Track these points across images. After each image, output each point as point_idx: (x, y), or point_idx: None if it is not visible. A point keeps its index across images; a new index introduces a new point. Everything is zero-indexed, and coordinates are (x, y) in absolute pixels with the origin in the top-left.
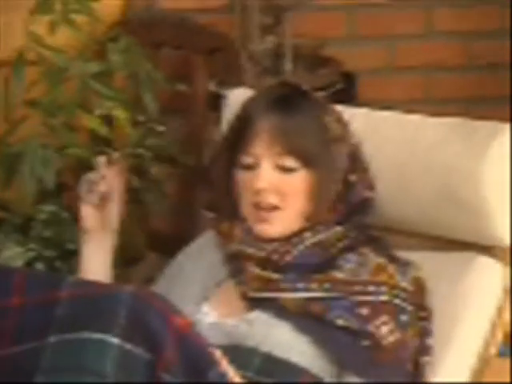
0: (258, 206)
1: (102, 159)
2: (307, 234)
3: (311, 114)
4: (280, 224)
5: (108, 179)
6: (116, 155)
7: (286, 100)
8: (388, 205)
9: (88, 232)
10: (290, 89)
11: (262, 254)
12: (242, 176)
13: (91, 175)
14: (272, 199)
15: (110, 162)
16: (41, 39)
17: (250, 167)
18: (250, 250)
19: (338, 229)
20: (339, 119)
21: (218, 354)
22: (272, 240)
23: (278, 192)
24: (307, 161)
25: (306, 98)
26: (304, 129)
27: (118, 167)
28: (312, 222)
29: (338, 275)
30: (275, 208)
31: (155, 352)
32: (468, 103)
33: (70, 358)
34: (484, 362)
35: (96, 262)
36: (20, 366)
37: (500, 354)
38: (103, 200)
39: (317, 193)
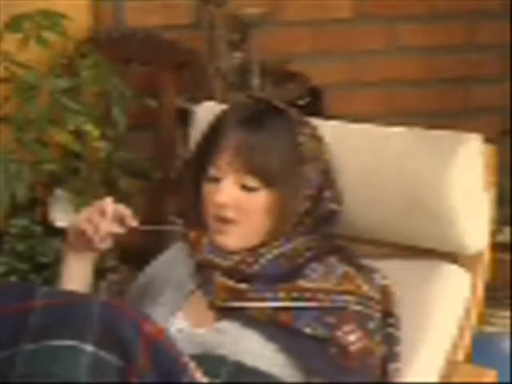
0: (217, 218)
1: (108, 204)
2: (274, 245)
3: (282, 132)
4: (237, 237)
5: (98, 228)
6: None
7: (257, 117)
8: (355, 214)
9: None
10: (264, 105)
11: (229, 263)
12: (207, 187)
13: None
14: (231, 214)
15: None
16: (12, 56)
17: (215, 180)
18: (217, 260)
19: (304, 239)
20: (314, 136)
21: (188, 361)
22: (238, 250)
23: (238, 208)
24: (269, 181)
25: (280, 116)
26: (270, 147)
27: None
28: (275, 236)
29: (305, 284)
30: (232, 221)
31: (128, 359)
32: (431, 117)
33: (43, 365)
34: (451, 369)
35: (77, 269)
36: None
37: None
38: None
39: (279, 212)
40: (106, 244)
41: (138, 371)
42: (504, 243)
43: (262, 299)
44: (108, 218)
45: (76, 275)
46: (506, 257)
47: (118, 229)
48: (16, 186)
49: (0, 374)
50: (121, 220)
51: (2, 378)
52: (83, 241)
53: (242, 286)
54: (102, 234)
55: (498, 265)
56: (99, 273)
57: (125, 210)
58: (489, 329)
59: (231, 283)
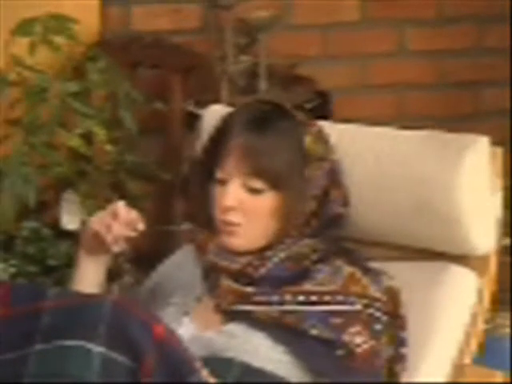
0: (223, 221)
1: (120, 208)
2: (281, 247)
3: (288, 134)
4: (244, 239)
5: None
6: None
7: (263, 119)
8: (363, 216)
9: (85, 249)
10: (270, 108)
11: (236, 266)
12: (215, 190)
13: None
14: (237, 218)
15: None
16: (21, 60)
17: (222, 182)
18: (225, 263)
19: (311, 241)
20: (320, 137)
21: (197, 361)
22: (244, 253)
23: (244, 211)
24: (275, 183)
25: (286, 118)
26: (276, 150)
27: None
28: (281, 238)
29: (311, 286)
30: (239, 224)
31: (137, 359)
32: (439, 121)
33: (54, 365)
34: (458, 370)
35: (90, 271)
36: (6, 374)
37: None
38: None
39: (285, 213)
40: (120, 247)
41: (148, 370)
42: (504, 246)
43: (269, 302)
44: (121, 221)
45: (89, 277)
46: (507, 259)
47: (130, 232)
48: (26, 189)
49: (12, 374)
50: (131, 224)
51: (15, 378)
52: (97, 243)
53: (249, 289)
54: (115, 237)
55: (499, 267)
56: (108, 276)
57: (133, 214)
58: (489, 330)
59: (238, 286)
